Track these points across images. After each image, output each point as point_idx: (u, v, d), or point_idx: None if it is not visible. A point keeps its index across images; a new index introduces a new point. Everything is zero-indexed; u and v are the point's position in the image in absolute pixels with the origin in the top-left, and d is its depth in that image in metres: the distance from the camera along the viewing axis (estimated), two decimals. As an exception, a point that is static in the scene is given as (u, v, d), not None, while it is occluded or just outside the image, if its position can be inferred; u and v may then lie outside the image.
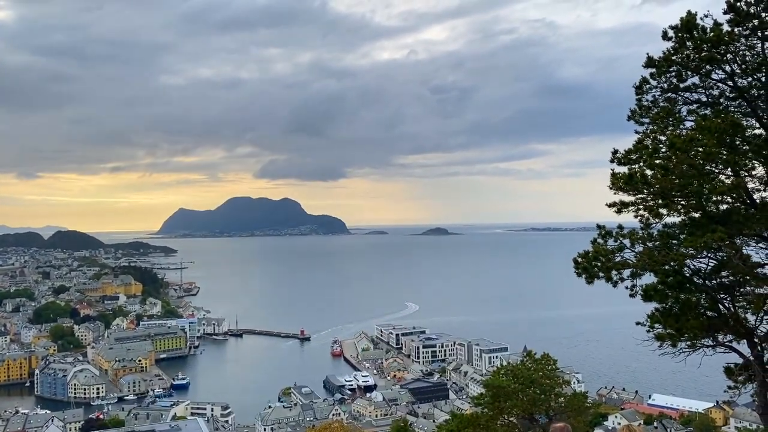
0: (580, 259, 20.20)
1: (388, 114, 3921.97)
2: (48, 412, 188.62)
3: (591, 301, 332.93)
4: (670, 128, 19.70)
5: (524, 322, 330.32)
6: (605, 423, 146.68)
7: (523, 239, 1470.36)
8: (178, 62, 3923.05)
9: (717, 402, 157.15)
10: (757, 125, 18.91)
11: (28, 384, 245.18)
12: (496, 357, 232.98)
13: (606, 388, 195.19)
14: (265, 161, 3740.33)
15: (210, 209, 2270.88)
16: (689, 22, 18.66)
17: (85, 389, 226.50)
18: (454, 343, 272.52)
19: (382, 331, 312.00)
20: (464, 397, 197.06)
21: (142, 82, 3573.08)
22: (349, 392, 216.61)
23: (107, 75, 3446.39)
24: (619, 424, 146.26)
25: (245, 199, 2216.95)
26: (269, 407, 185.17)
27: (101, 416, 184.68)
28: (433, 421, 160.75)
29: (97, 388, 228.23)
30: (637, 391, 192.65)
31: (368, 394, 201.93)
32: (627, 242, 19.76)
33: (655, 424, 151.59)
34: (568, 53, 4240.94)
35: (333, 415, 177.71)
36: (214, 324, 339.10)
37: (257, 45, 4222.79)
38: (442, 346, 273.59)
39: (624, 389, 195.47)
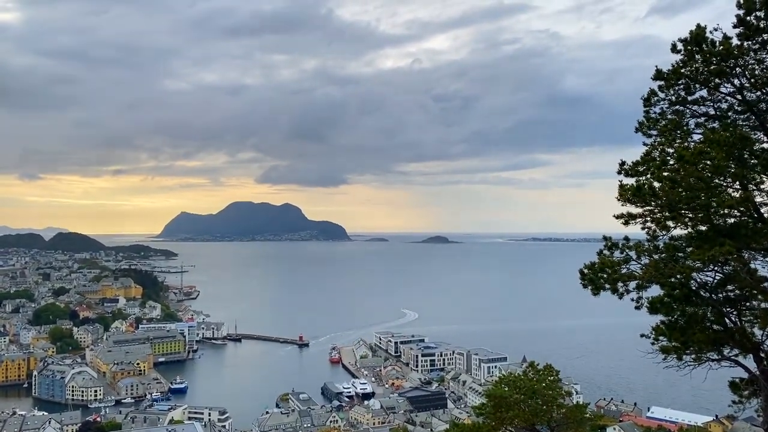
0: (586, 270, 20.14)
1: (391, 122, 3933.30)
2: (45, 413, 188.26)
3: (591, 313, 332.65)
4: (678, 141, 19.71)
5: (524, 332, 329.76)
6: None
7: (523, 249, 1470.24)
8: (183, 67, 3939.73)
9: (716, 416, 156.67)
10: (766, 139, 18.90)
11: (26, 385, 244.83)
12: (495, 367, 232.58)
13: (605, 399, 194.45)
14: (267, 167, 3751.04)
15: (212, 213, 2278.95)
16: (699, 35, 18.69)
17: (82, 391, 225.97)
18: (453, 352, 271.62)
19: (380, 339, 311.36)
20: (462, 406, 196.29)
21: (147, 86, 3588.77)
22: (347, 399, 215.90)
23: (112, 78, 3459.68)
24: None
25: (247, 203, 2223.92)
26: (267, 413, 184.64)
27: (98, 419, 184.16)
28: (431, 430, 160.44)
29: (95, 391, 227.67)
30: (635, 404, 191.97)
31: (366, 402, 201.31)
32: (633, 254, 19.74)
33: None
34: (571, 64, 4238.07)
35: (330, 422, 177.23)
36: (213, 328, 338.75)
37: (262, 51, 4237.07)
38: (441, 355, 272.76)
39: (623, 401, 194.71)
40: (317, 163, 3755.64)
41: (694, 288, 19.58)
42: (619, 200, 19.79)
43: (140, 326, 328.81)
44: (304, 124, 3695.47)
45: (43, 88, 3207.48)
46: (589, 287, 19.99)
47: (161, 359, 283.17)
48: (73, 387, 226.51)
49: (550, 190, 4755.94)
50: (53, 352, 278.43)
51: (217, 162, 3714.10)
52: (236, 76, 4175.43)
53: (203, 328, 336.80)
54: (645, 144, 20.23)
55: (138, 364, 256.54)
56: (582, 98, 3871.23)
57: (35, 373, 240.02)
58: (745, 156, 18.51)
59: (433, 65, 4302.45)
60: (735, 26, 18.30)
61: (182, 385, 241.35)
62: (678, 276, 19.10)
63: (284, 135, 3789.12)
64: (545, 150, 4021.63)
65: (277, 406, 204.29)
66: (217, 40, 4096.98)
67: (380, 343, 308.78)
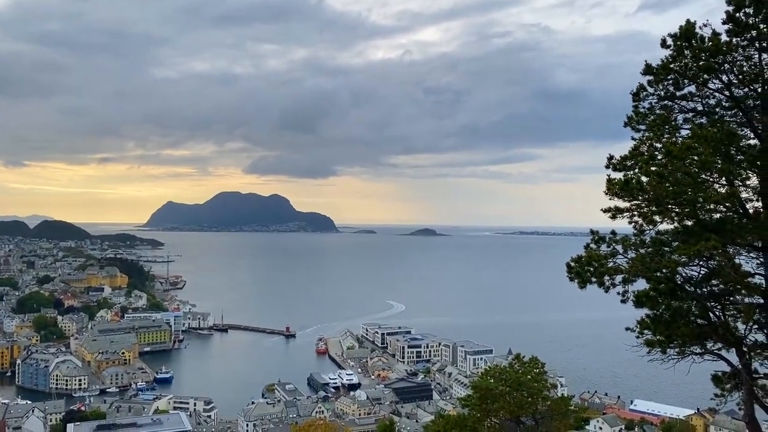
0: (573, 264, 20.31)
1: (381, 114, 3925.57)
2: (29, 402, 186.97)
3: (577, 306, 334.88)
4: (666, 136, 19.84)
5: (510, 325, 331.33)
6: (587, 427, 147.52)
7: (511, 242, 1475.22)
8: (172, 56, 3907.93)
9: (698, 409, 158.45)
10: (752, 135, 19.06)
11: (9, 374, 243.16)
12: (481, 359, 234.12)
13: (588, 392, 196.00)
14: (255, 157, 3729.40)
15: (198, 203, 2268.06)
16: (688, 31, 18.80)
17: (67, 380, 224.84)
18: (439, 344, 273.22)
19: (367, 330, 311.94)
20: (448, 398, 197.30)
21: (135, 75, 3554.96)
22: (333, 390, 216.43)
23: (100, 66, 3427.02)
24: (600, 429, 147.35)
25: (234, 194, 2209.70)
26: (252, 403, 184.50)
27: (83, 408, 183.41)
28: (416, 421, 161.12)
29: (80, 380, 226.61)
30: (619, 396, 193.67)
31: (352, 393, 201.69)
32: (620, 248, 19.87)
33: (636, 429, 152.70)
34: (562, 59, 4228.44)
35: (316, 412, 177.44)
36: (199, 318, 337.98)
37: (253, 40, 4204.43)
38: (427, 347, 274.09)
39: (606, 394, 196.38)
40: (306, 155, 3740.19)
41: (679, 282, 19.77)
42: (606, 194, 19.93)
43: (125, 315, 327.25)
44: (294, 114, 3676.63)
45: (29, 74, 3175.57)
46: (576, 280, 20.12)
47: (147, 349, 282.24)
48: (57, 376, 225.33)
49: (538, 184, 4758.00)
50: (37, 340, 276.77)
51: (205, 151, 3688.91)
52: (226, 65, 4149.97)
53: (189, 318, 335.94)
54: (633, 139, 20.38)
55: (123, 353, 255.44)
56: (573, 93, 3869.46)
57: (19, 361, 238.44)
58: (732, 152, 18.67)
59: (424, 57, 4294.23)
60: (724, 22, 18.45)
61: (167, 375, 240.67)
62: (664, 270, 19.29)
63: (273, 125, 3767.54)
64: (535, 144, 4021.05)
65: (263, 396, 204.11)
66: (208, 28, 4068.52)
67: (367, 334, 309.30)
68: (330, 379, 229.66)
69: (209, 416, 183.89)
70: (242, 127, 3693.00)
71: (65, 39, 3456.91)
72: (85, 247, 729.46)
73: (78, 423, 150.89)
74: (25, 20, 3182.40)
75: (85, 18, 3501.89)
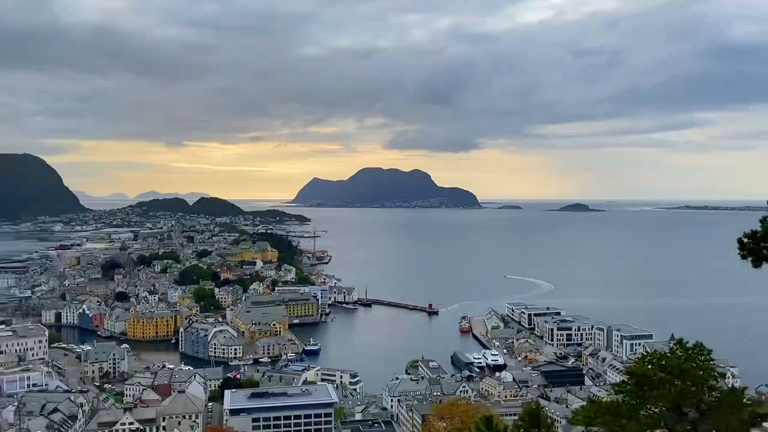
0: (746, 240, 18.66)
1: (525, 81, 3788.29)
2: (191, 368, 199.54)
3: (754, 290, 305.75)
4: None
5: (673, 309, 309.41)
6: (765, 425, 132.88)
7: (675, 219, 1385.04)
8: (317, 32, 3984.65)
9: None
10: None
11: (173, 341, 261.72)
12: (639, 344, 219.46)
13: (767, 386, 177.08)
14: (395, 132, 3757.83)
15: (342, 179, 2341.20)
16: None
17: (224, 349, 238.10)
18: (592, 327, 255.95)
19: (513, 310, 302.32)
20: (601, 384, 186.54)
21: (281, 53, 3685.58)
22: (478, 370, 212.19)
23: (246, 46, 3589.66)
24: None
25: (376, 170, 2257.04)
26: (396, 379, 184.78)
27: (238, 376, 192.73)
28: (567, 406, 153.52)
29: (235, 349, 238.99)
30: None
31: (497, 374, 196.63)
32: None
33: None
34: (742, 8, 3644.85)
35: (460, 392, 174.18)
36: (344, 293, 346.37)
37: (396, 11, 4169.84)
38: (579, 330, 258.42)
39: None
40: (447, 128, 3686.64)
41: None
42: None
43: (276, 288, 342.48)
44: (433, 86, 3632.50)
45: (182, 57, 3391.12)
46: (749, 258, 18.70)
47: (295, 321, 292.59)
48: (215, 345, 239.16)
49: (708, 153, 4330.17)
50: (197, 311, 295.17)
51: (348, 128, 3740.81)
52: (369, 39, 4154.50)
53: (335, 292, 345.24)
54: None
55: (274, 324, 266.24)
56: (753, 48, 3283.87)
57: (181, 330, 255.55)
58: None
59: (577, 17, 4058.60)
60: None
61: (315, 347, 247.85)
62: None
63: (412, 99, 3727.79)
64: (705, 107, 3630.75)
65: (407, 372, 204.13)
66: (352, 2, 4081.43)
67: (513, 314, 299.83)
68: (474, 358, 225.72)
69: (355, 389, 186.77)
70: (381, 102, 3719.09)
71: (215, 22, 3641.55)
72: (238, 222, 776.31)
73: (234, 390, 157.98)
74: (181, 5, 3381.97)
75: (236, 2, 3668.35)
